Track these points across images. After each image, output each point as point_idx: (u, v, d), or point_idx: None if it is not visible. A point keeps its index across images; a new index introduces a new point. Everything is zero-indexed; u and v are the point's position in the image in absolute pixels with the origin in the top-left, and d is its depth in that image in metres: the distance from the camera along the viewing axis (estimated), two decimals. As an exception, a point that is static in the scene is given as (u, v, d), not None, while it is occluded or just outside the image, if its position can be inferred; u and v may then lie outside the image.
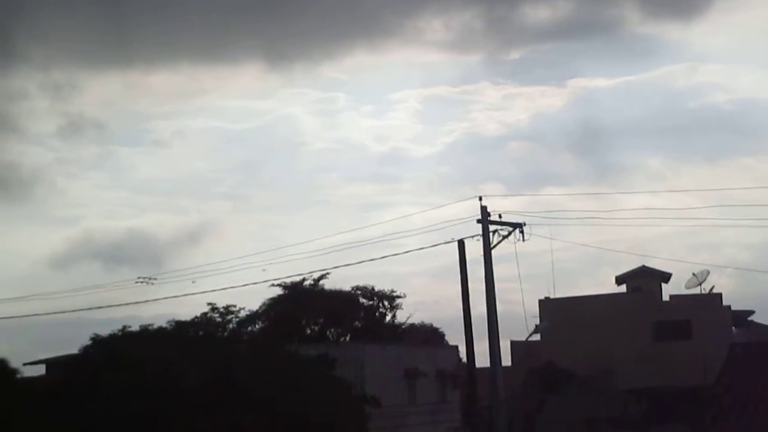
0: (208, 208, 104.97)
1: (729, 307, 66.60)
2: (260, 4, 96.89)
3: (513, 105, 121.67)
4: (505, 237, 39.82)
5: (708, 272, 67.22)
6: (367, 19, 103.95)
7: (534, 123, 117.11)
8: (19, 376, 35.94)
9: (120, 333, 40.29)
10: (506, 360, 62.33)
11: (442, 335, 63.28)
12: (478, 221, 39.81)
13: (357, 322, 58.09)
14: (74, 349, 39.96)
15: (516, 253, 39.82)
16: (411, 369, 52.87)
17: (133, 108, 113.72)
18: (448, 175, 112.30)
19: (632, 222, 54.84)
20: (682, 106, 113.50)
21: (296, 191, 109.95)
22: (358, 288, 58.52)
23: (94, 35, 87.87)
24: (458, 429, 55.36)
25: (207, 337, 49.40)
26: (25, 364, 44.47)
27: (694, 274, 67.52)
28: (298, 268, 62.96)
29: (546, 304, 66.61)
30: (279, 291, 57.63)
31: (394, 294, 58.95)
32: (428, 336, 61.70)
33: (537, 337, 65.92)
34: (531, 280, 57.48)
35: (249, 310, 57.43)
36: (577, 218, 42.57)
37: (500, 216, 39.83)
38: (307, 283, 57.37)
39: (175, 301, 42.79)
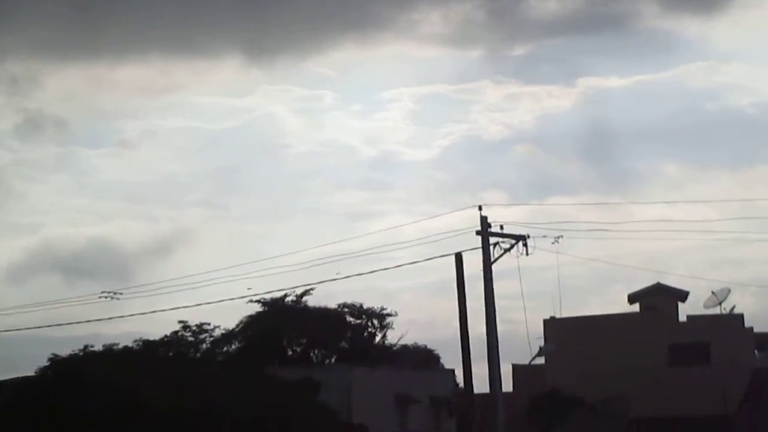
0: (181, 216, 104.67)
1: (751, 328, 66.73)
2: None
3: (517, 105, 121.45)
4: (507, 250, 39.85)
5: (729, 290, 67.33)
6: (356, 9, 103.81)
7: (540, 125, 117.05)
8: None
9: (81, 353, 40.34)
10: (507, 385, 61.74)
11: (437, 358, 63.41)
12: (478, 233, 39.83)
13: (343, 343, 58.60)
14: (30, 371, 40.20)
15: (519, 268, 39.95)
16: (402, 394, 53.02)
17: (97, 104, 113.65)
18: (445, 182, 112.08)
19: (646, 235, 53.65)
20: (701, 109, 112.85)
21: (278, 198, 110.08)
22: (344, 305, 58.97)
23: (55, 23, 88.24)
24: (454, 460, 55.48)
25: (178, 358, 50.17)
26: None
27: (713, 293, 67.63)
28: (280, 283, 63.27)
29: (551, 325, 66.95)
30: (258, 308, 58.11)
31: (385, 312, 59.65)
32: (422, 358, 61.80)
33: (541, 360, 65.01)
34: (535, 297, 56.16)
35: (225, 329, 58.16)
36: (586, 230, 41.87)
37: (502, 227, 39.92)
38: (289, 299, 58.01)
39: (142, 318, 42.43)
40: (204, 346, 57.03)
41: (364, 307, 59.21)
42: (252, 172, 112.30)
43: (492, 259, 39.84)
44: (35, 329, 44.48)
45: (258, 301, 57.21)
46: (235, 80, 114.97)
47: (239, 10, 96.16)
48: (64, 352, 39.88)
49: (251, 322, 58.13)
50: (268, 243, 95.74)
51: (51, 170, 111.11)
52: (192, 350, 55.94)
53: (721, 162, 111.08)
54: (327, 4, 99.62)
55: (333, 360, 57.78)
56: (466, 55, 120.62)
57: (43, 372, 39.31)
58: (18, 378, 43.16)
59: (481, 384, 41.08)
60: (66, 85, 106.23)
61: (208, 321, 56.84)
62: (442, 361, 63.32)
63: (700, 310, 68.25)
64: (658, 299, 68.06)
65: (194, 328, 56.36)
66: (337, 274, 41.33)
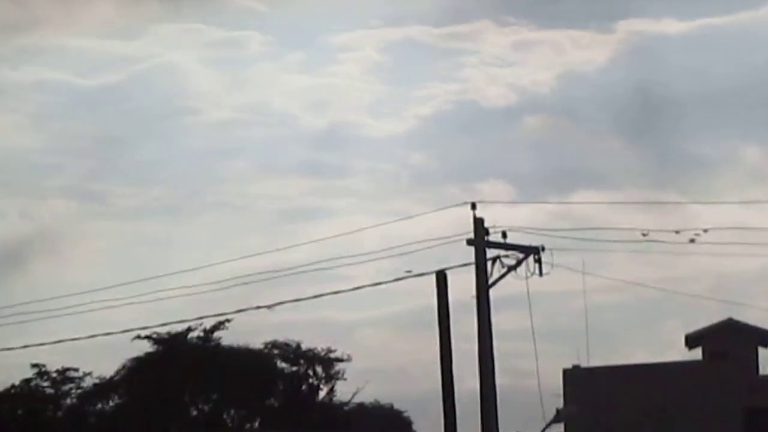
0: (39, 211, 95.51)
1: None
2: None
3: (529, 59, 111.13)
4: (511, 268, 37.19)
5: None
6: None
7: (561, 88, 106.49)
8: None
9: None
10: (510, 463, 62.49)
11: (407, 423, 63.24)
12: (470, 242, 37.10)
13: (272, 400, 58.25)
14: None
15: (529, 294, 37.56)
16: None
17: None
18: (424, 168, 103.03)
19: (715, 249, 45.55)
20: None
21: (181, 187, 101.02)
22: (275, 345, 58.62)
23: None
24: None
25: (29, 417, 51.02)
26: None
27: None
28: (181, 311, 54.81)
29: (574, 377, 62.40)
30: (148, 347, 58.02)
31: (333, 356, 59.45)
32: (386, 423, 61.44)
33: (560, 428, 56.56)
34: (552, 337, 55.35)
35: (99, 377, 58.43)
36: (626, 241, 39.21)
37: (504, 234, 37.23)
38: (193, 335, 58.05)
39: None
40: (69, 401, 56.59)
41: (303, 347, 58.94)
42: (142, 149, 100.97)
43: (490, 281, 37.15)
44: None
45: (148, 337, 56.88)
46: (119, 16, 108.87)
47: None
48: None
49: (138, 367, 57.24)
50: (166, 252, 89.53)
51: None
52: (51, 407, 55.70)
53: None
54: None
55: (256, 425, 57.43)
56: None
57: None
58: None
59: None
60: None
61: (74, 365, 57.24)
62: (414, 427, 63.93)
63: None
64: (731, 342, 62.98)
65: (54, 375, 56.19)
66: (267, 307, 38.98)
